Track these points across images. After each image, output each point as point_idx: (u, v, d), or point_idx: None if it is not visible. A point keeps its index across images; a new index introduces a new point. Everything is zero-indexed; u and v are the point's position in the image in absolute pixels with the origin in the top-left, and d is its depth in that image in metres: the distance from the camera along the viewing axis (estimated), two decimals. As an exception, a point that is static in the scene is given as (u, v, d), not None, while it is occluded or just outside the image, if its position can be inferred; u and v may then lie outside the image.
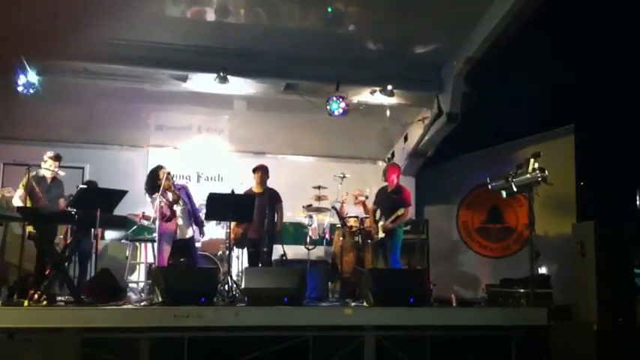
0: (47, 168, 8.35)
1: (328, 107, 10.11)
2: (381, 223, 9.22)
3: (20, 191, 8.10)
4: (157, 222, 8.43)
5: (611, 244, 7.91)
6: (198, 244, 9.35)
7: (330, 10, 9.14)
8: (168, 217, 8.51)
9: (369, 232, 9.65)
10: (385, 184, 9.63)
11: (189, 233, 8.77)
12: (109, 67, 9.42)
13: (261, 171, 9.29)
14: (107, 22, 8.24)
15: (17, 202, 8.11)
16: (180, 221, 8.67)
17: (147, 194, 8.71)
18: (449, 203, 12.21)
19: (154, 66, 9.56)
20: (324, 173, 10.78)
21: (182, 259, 8.56)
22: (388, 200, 9.29)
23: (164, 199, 8.53)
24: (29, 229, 7.59)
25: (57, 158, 8.41)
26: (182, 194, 8.72)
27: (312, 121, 11.20)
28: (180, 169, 11.29)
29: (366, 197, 10.24)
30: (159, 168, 8.69)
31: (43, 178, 8.39)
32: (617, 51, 8.73)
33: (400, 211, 9.07)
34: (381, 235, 9.20)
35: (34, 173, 8.20)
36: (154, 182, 8.61)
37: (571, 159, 9.79)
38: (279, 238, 9.33)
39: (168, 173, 8.58)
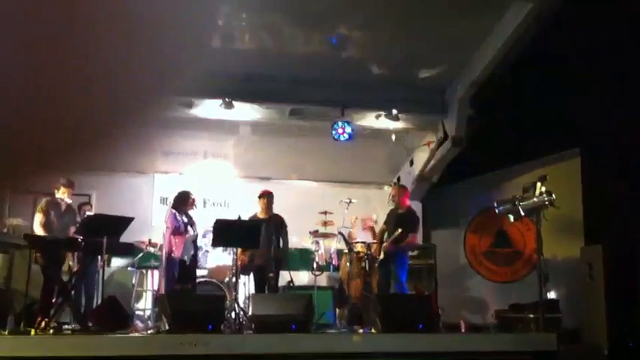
0: (62, 194, 8.35)
1: (334, 132, 10.17)
2: (384, 245, 9.18)
3: (39, 216, 8.12)
4: (165, 237, 8.43)
5: (619, 267, 7.87)
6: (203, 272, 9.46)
7: (334, 35, 9.20)
8: (180, 232, 8.52)
9: (375, 256, 9.60)
10: (393, 205, 9.56)
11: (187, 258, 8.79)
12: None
13: (267, 197, 9.27)
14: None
15: (37, 227, 8.12)
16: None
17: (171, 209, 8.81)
18: (456, 227, 12.17)
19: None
20: (329, 198, 10.76)
21: (188, 286, 8.57)
22: (397, 223, 9.23)
23: (184, 217, 8.66)
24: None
25: (68, 185, 8.39)
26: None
27: (317, 146, 11.21)
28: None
29: (375, 222, 10.22)
30: (189, 194, 8.98)
31: (58, 204, 8.41)
32: (624, 72, 8.73)
33: (397, 232, 8.98)
34: (381, 256, 9.14)
35: (50, 198, 8.24)
36: (179, 203, 8.82)
37: (577, 182, 9.76)
38: (285, 264, 9.29)
39: (194, 199, 9.02)
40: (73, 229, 8.56)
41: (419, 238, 10.40)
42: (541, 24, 8.59)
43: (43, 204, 8.10)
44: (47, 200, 8.12)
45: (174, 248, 8.38)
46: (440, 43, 9.41)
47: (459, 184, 12.10)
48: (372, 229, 10.05)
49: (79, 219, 8.91)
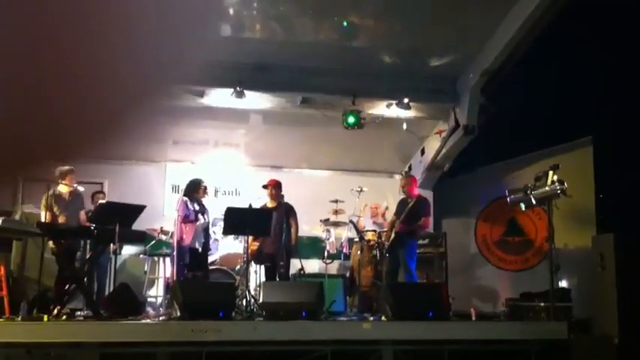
0: (65, 184, 8.39)
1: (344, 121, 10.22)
2: (395, 224, 9.10)
3: (43, 213, 8.16)
4: (176, 225, 8.46)
5: (631, 256, 7.84)
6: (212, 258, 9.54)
7: (345, 24, 9.19)
8: (190, 220, 8.56)
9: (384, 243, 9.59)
10: (403, 195, 9.55)
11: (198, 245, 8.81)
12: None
13: (271, 187, 9.28)
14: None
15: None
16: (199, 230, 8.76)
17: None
18: (467, 216, 12.15)
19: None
20: (341, 187, 10.77)
21: (199, 273, 8.62)
22: (407, 214, 9.19)
23: (196, 205, 8.67)
24: (50, 244, 7.68)
25: (70, 172, 8.42)
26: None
27: (328, 135, 11.21)
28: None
29: (386, 208, 10.24)
30: (201, 182, 8.90)
31: (60, 195, 8.44)
32: (636, 61, 8.67)
33: (410, 204, 8.90)
34: (392, 235, 9.06)
35: (51, 192, 8.26)
36: (191, 191, 8.79)
37: (590, 171, 9.71)
38: (295, 252, 9.32)
39: (206, 187, 8.89)
40: (82, 213, 8.60)
41: (430, 227, 10.38)
42: (553, 12, 8.53)
43: (44, 201, 8.13)
44: (48, 196, 8.13)
45: (184, 236, 8.41)
46: (452, 31, 9.38)
47: (471, 173, 12.07)
48: (383, 215, 10.09)
49: (91, 206, 8.97)
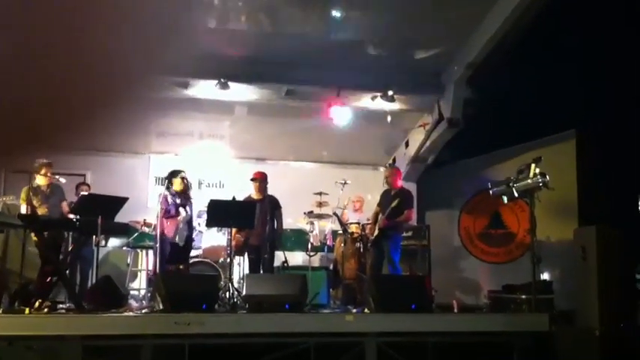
0: (42, 175, 8.34)
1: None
2: (379, 219, 9.12)
3: (22, 207, 8.11)
4: (158, 219, 8.42)
5: (612, 248, 7.90)
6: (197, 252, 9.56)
7: (331, 15, 9.17)
8: (171, 214, 8.52)
9: (369, 237, 9.60)
10: (386, 187, 9.55)
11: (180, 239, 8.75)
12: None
13: (259, 180, 9.25)
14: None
15: None
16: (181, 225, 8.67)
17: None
18: (450, 209, 12.18)
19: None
20: (325, 179, 10.77)
21: (180, 267, 8.60)
22: (391, 203, 9.20)
23: (176, 198, 8.62)
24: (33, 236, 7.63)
25: (47, 165, 8.38)
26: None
27: (313, 127, 11.20)
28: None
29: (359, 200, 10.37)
30: (177, 173, 8.80)
31: (39, 187, 8.39)
32: (619, 55, 8.71)
33: (394, 203, 8.93)
34: (376, 232, 9.09)
35: (29, 186, 8.20)
36: (168, 185, 8.77)
37: (572, 164, 9.77)
38: (280, 245, 9.31)
39: (183, 178, 8.72)
40: (65, 205, 8.56)
41: (413, 220, 10.40)
42: (538, 5, 8.56)
43: (23, 195, 8.10)
44: (27, 189, 8.09)
45: (165, 230, 8.39)
46: (437, 24, 9.38)
47: (454, 165, 12.10)
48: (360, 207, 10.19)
49: (75, 198, 8.91)
